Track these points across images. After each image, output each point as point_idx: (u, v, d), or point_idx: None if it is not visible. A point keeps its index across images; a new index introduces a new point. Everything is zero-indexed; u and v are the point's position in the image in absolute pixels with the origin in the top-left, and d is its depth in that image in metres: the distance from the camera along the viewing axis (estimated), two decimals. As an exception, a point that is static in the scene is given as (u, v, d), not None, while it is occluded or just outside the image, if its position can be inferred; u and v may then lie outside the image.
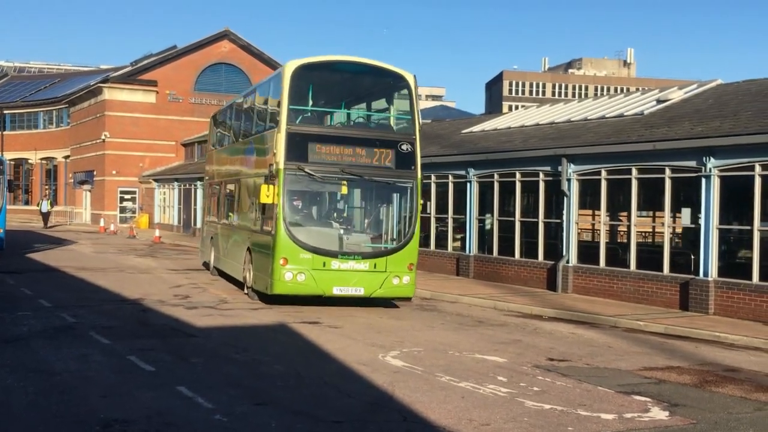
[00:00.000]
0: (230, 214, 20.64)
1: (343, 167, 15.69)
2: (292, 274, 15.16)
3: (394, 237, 16.27)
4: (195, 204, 44.22)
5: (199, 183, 43.88)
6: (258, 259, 16.62)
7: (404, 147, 16.09)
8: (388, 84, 17.58)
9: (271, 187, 15.22)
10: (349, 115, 19.52)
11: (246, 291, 17.58)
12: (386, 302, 16.94)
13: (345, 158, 15.83)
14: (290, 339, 12.65)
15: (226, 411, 7.89)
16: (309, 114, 17.23)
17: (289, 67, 15.77)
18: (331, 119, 18.99)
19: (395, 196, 16.60)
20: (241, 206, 19.23)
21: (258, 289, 16.56)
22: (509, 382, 9.70)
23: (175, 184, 48.11)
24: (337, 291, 15.40)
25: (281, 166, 15.37)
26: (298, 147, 15.51)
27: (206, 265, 23.78)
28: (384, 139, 16.39)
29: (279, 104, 15.79)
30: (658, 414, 8.38)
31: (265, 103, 17.83)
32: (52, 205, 51.43)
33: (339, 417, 7.89)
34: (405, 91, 16.71)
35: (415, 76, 16.42)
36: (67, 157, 63.31)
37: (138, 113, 54.02)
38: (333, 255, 15.39)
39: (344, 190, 16.08)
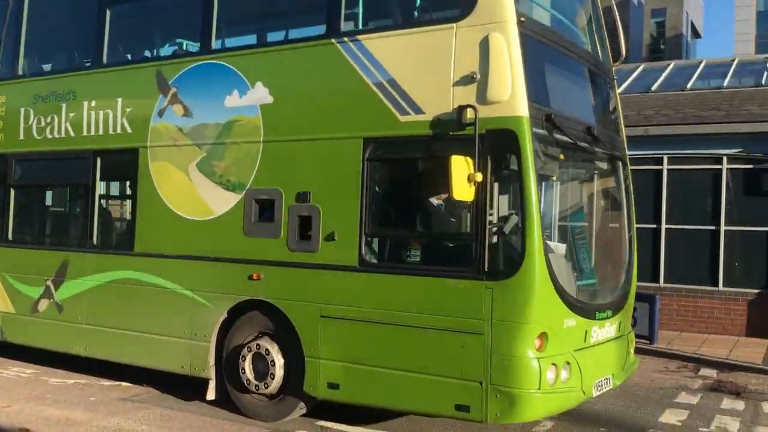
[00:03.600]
0: (137, 227, 7.68)
1: (589, 126, 6.57)
2: (555, 369, 5.70)
3: (619, 266, 7.41)
4: None
5: None
6: (385, 343, 6.07)
7: (611, 94, 7.57)
8: None
9: (479, 163, 5.55)
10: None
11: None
12: None
13: (586, 107, 7.06)
14: None
15: None
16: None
17: None
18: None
19: (608, 186, 7.61)
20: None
21: (412, 408, 6.20)
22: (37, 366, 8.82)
23: None
24: (596, 391, 6.18)
25: (523, 112, 5.56)
26: (538, 73, 6.03)
27: None
28: (606, 76, 7.45)
29: None
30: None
31: None
32: None
33: None
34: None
35: None
36: None
37: None
38: (592, 315, 6.30)
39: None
